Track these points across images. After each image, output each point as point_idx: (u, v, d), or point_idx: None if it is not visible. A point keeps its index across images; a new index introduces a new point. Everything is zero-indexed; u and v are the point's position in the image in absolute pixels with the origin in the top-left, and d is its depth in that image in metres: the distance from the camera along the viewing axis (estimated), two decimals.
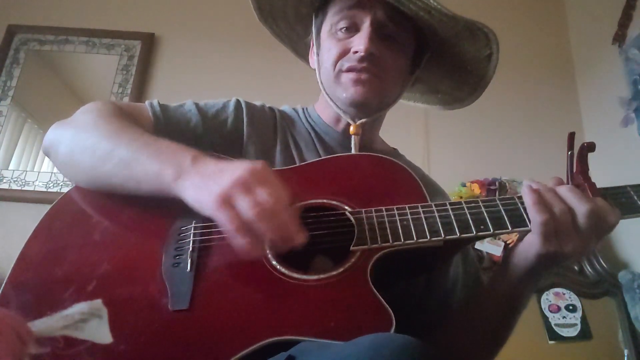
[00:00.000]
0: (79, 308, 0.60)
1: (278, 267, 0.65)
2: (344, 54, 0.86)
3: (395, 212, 0.69)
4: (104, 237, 0.71)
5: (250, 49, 2.50)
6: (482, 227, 0.68)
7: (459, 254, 0.88)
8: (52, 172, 2.34)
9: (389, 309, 0.59)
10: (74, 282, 0.65)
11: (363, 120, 0.89)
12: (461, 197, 2.14)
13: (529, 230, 0.67)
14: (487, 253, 1.97)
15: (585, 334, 1.90)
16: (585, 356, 1.89)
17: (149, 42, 2.58)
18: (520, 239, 0.70)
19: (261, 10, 0.96)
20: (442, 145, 2.41)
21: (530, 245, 0.67)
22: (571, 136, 0.73)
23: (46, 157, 0.81)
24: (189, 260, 0.66)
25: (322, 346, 0.54)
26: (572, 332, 1.90)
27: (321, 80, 0.92)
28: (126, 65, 2.54)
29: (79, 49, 2.58)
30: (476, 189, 2.19)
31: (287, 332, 0.58)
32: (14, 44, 2.56)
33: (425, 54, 0.93)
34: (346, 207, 0.72)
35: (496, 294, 0.75)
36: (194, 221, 0.70)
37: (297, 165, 0.85)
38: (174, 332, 0.59)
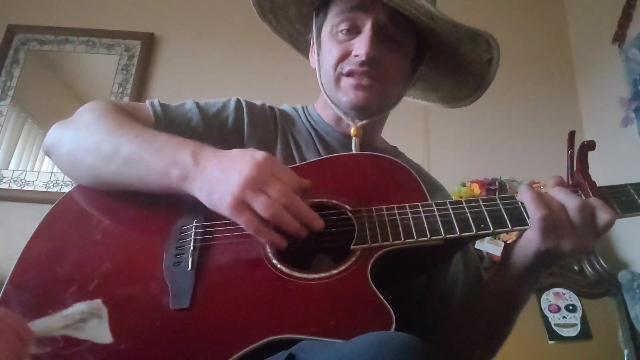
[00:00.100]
0: (78, 308, 0.60)
1: (279, 265, 0.65)
2: (344, 56, 0.85)
3: (396, 211, 0.69)
4: (105, 236, 0.71)
5: (250, 49, 2.50)
6: (482, 225, 0.68)
7: (459, 252, 0.89)
8: (52, 172, 2.34)
9: (389, 307, 0.59)
10: (75, 281, 0.65)
11: (364, 122, 0.88)
12: (461, 197, 2.13)
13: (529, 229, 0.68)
14: (487, 253, 1.97)
15: (585, 334, 1.90)
16: (585, 356, 1.89)
17: (149, 42, 2.59)
18: (519, 237, 0.70)
19: (261, 7, 0.96)
20: (442, 145, 2.41)
21: (529, 241, 0.67)
22: (571, 135, 0.73)
23: (46, 157, 0.81)
24: (190, 260, 0.66)
25: (323, 345, 0.54)
26: (572, 332, 1.91)
27: (321, 82, 0.92)
28: (126, 65, 2.54)
29: (79, 49, 2.58)
30: (476, 189, 2.19)
31: (287, 331, 0.58)
32: (14, 44, 2.56)
33: (426, 53, 0.93)
34: (346, 206, 0.72)
35: (495, 292, 0.76)
36: (195, 220, 0.70)
37: (297, 164, 0.85)
38: (174, 331, 0.60)
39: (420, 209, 0.69)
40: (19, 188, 2.31)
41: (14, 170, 2.36)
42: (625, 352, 1.86)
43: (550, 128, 2.38)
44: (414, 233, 0.67)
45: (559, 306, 1.97)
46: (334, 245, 0.69)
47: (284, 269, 0.65)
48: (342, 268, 0.64)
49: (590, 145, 0.72)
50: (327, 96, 0.90)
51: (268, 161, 0.64)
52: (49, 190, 2.30)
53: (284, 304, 0.62)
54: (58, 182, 2.32)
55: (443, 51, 0.91)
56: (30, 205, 2.22)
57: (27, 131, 2.49)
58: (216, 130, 0.87)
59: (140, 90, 2.48)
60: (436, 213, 0.69)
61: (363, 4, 0.84)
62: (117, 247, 0.69)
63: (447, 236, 0.67)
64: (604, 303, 2.00)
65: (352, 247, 0.66)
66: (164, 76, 2.55)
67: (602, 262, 2.01)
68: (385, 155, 0.81)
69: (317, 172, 0.80)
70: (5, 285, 0.65)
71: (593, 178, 0.71)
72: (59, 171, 2.17)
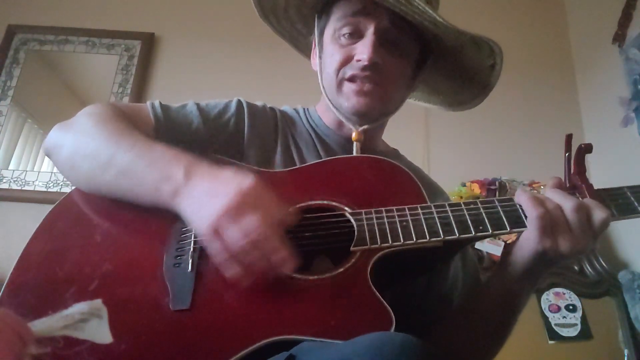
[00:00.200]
0: (78, 308, 0.60)
1: None
2: (347, 61, 0.85)
3: (395, 213, 0.70)
4: (105, 237, 0.71)
5: (251, 49, 2.50)
6: (480, 227, 0.68)
7: (458, 254, 0.89)
8: (52, 172, 2.34)
9: (389, 308, 0.60)
10: (75, 282, 0.65)
11: (365, 126, 0.88)
12: (461, 197, 2.14)
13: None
14: (487, 253, 1.97)
15: (585, 334, 1.90)
16: (585, 356, 1.89)
17: (149, 42, 2.59)
18: (518, 238, 0.70)
19: (262, 7, 0.95)
20: (442, 145, 2.41)
21: (527, 241, 0.67)
22: (568, 138, 0.73)
23: (46, 157, 0.81)
24: (190, 261, 0.66)
25: (323, 345, 0.54)
26: (572, 332, 1.90)
27: (323, 85, 0.91)
28: (126, 65, 2.54)
29: (79, 49, 2.58)
30: (476, 189, 2.19)
31: (287, 332, 0.58)
32: (14, 44, 2.56)
33: (428, 58, 0.92)
34: (346, 208, 0.72)
35: (495, 292, 0.76)
36: None
37: (298, 166, 0.85)
38: (174, 332, 0.60)
39: (420, 211, 0.70)
40: (19, 188, 2.31)
41: (14, 170, 2.36)
42: (625, 352, 1.86)
43: (550, 128, 2.38)
44: (413, 235, 0.67)
45: (559, 306, 1.97)
46: (333, 247, 0.69)
47: None
48: (341, 269, 0.65)
49: (587, 148, 0.72)
50: (329, 100, 0.90)
51: (254, 190, 0.62)
52: (49, 190, 2.30)
53: (284, 305, 0.62)
54: (58, 182, 2.32)
55: (445, 55, 0.91)
56: (30, 205, 2.22)
57: (27, 131, 2.49)
58: (217, 133, 0.87)
59: (140, 90, 2.48)
60: (435, 215, 0.69)
61: (366, 8, 0.84)
62: (117, 248, 0.70)
63: (446, 238, 0.67)
64: (604, 303, 2.00)
65: (351, 248, 0.67)
66: (164, 76, 2.55)
67: (602, 262, 2.01)
68: (385, 158, 0.81)
69: (317, 174, 0.80)
70: (5, 285, 0.65)
71: (593, 178, 0.72)
72: (60, 173, 2.18)
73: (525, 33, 2.60)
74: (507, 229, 0.68)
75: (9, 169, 2.36)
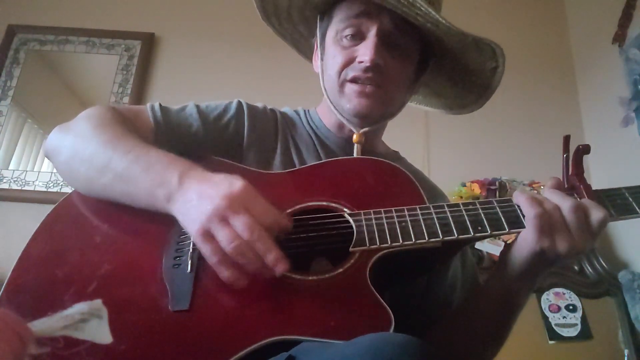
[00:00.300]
0: (78, 308, 0.60)
1: None
2: (349, 62, 0.85)
3: (394, 214, 0.70)
4: (105, 238, 0.71)
5: (251, 49, 2.50)
6: (479, 228, 0.68)
7: (457, 255, 0.89)
8: (52, 172, 2.34)
9: (388, 308, 0.60)
10: (75, 283, 0.65)
11: (366, 129, 0.88)
12: (461, 197, 2.14)
13: None
14: (487, 253, 1.97)
15: (585, 334, 1.90)
16: (585, 356, 1.89)
17: (149, 42, 2.59)
18: (516, 238, 0.70)
19: (265, 10, 0.95)
20: (442, 145, 2.41)
21: (525, 241, 0.67)
22: (566, 139, 0.74)
23: (46, 157, 0.82)
24: (189, 262, 0.66)
25: (322, 346, 0.54)
26: (572, 332, 1.91)
27: (325, 87, 0.91)
28: (126, 65, 2.54)
29: (79, 49, 2.58)
30: (476, 189, 2.19)
31: (286, 332, 0.58)
32: (14, 44, 2.56)
33: (430, 59, 0.92)
34: (345, 210, 0.72)
35: (493, 292, 0.76)
36: None
37: (297, 168, 0.85)
38: (174, 333, 0.60)
39: (418, 211, 0.70)
40: (19, 188, 2.31)
41: (14, 170, 2.36)
42: (626, 352, 1.86)
43: (550, 128, 2.38)
44: (412, 235, 0.67)
45: (559, 306, 1.97)
46: (332, 248, 0.69)
47: None
48: (341, 270, 0.65)
49: (585, 149, 0.72)
50: (330, 102, 0.90)
51: (244, 192, 0.62)
52: (49, 190, 2.30)
53: (284, 305, 0.62)
54: (58, 182, 2.32)
55: (447, 58, 0.91)
56: (30, 205, 2.22)
57: (27, 131, 2.49)
58: (217, 135, 0.87)
59: (140, 90, 2.48)
60: (434, 216, 0.69)
61: (368, 10, 0.84)
62: (116, 249, 0.70)
63: (445, 238, 0.67)
64: (604, 303, 2.00)
65: (351, 249, 0.67)
66: (164, 76, 2.55)
67: (602, 262, 2.01)
68: (384, 160, 0.81)
69: (316, 175, 0.80)
70: (5, 285, 0.66)
71: (593, 178, 0.72)
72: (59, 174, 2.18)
73: (525, 33, 2.60)
74: (505, 230, 0.68)
75: (9, 169, 2.36)
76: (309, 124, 0.97)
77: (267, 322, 0.60)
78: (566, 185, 0.73)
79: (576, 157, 0.73)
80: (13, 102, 2.46)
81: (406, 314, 0.64)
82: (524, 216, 0.67)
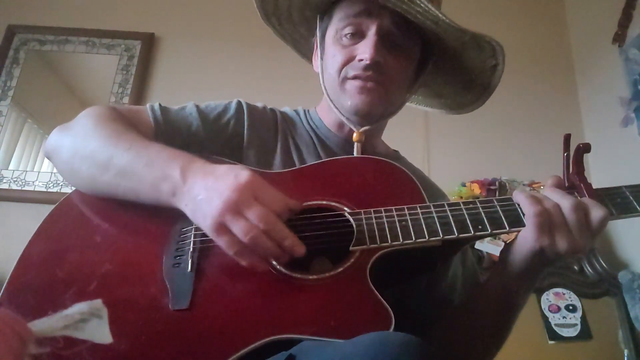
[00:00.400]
0: (79, 308, 0.60)
1: (278, 267, 0.65)
2: (349, 61, 0.85)
3: (394, 212, 0.70)
4: (105, 238, 0.71)
5: (251, 49, 2.50)
6: (479, 227, 0.68)
7: (458, 255, 0.89)
8: (52, 172, 2.34)
9: (388, 307, 0.60)
10: (75, 282, 0.65)
11: (366, 127, 0.88)
12: (461, 197, 2.14)
13: None
14: (487, 253, 1.97)
15: (585, 334, 1.90)
16: (585, 356, 1.89)
17: (149, 42, 2.59)
18: (516, 237, 0.70)
19: (265, 10, 0.95)
20: (442, 145, 2.41)
21: (525, 240, 0.67)
22: (567, 138, 0.73)
23: (47, 159, 0.82)
24: (190, 261, 0.66)
25: (322, 345, 0.54)
26: (572, 332, 1.90)
27: (325, 86, 0.91)
28: (126, 65, 2.54)
29: (79, 49, 2.58)
30: (476, 189, 2.19)
31: (287, 331, 0.58)
32: (14, 44, 2.56)
33: (430, 59, 0.92)
34: (345, 209, 0.72)
35: (493, 292, 0.76)
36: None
37: (297, 167, 0.85)
38: (174, 332, 0.60)
39: (419, 210, 0.70)
40: (19, 188, 2.31)
41: (14, 170, 2.36)
42: (625, 352, 1.86)
43: (550, 128, 2.38)
44: (412, 234, 0.67)
45: (559, 306, 1.97)
46: (333, 247, 0.69)
47: (283, 269, 0.65)
48: (341, 269, 0.65)
49: (585, 148, 0.72)
50: (331, 100, 0.90)
51: (251, 182, 0.62)
52: (49, 190, 2.30)
53: (284, 304, 0.62)
54: (58, 182, 2.33)
55: (447, 57, 0.91)
56: (30, 205, 2.22)
57: (27, 131, 2.49)
58: (216, 135, 0.87)
59: (140, 91, 2.48)
60: (434, 215, 0.69)
61: (368, 8, 0.84)
62: (117, 248, 0.70)
63: (445, 237, 0.67)
64: (604, 303, 2.00)
65: (351, 248, 0.67)
66: (164, 76, 2.55)
67: (602, 262, 2.01)
68: (384, 159, 0.81)
69: (316, 174, 0.80)
70: (5, 285, 0.66)
71: (593, 178, 0.71)
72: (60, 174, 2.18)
73: (525, 33, 2.60)
74: (506, 228, 0.68)
75: (9, 169, 2.36)
76: (309, 123, 0.97)
77: (267, 321, 0.60)
78: (566, 184, 0.72)
79: (576, 156, 0.72)
80: (13, 102, 2.46)
81: (406, 313, 0.64)
82: (524, 215, 0.67)
